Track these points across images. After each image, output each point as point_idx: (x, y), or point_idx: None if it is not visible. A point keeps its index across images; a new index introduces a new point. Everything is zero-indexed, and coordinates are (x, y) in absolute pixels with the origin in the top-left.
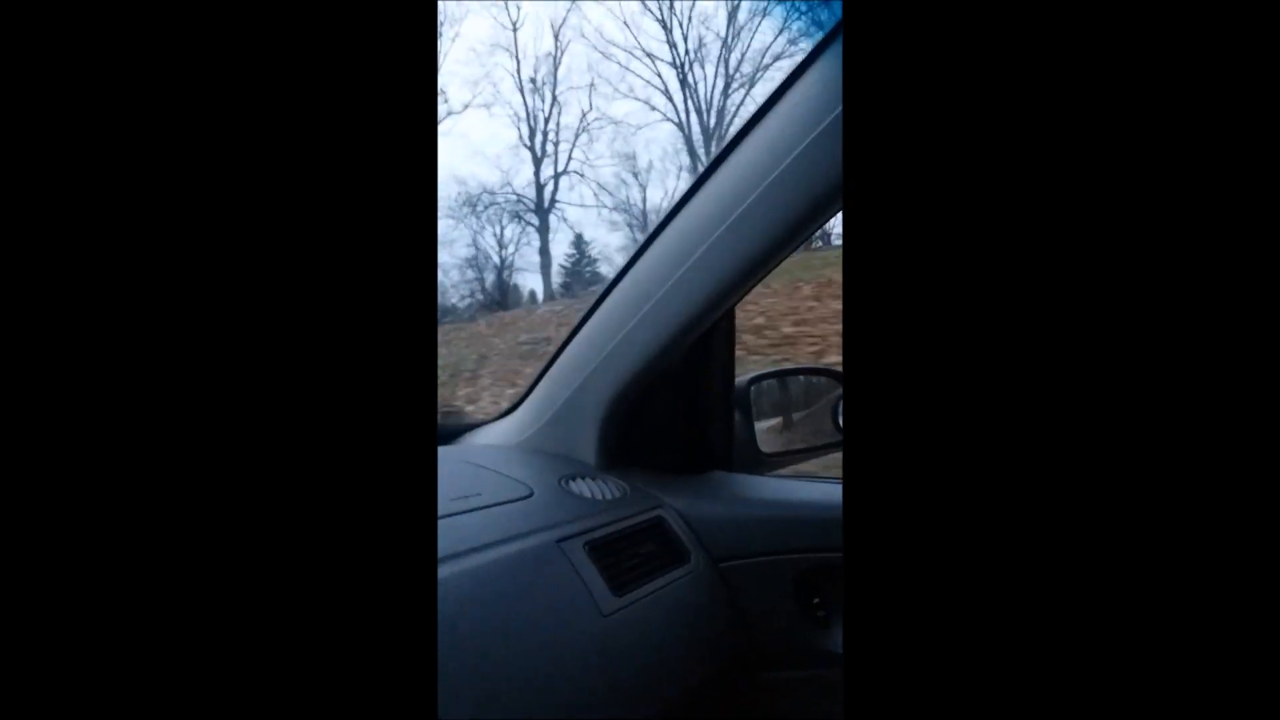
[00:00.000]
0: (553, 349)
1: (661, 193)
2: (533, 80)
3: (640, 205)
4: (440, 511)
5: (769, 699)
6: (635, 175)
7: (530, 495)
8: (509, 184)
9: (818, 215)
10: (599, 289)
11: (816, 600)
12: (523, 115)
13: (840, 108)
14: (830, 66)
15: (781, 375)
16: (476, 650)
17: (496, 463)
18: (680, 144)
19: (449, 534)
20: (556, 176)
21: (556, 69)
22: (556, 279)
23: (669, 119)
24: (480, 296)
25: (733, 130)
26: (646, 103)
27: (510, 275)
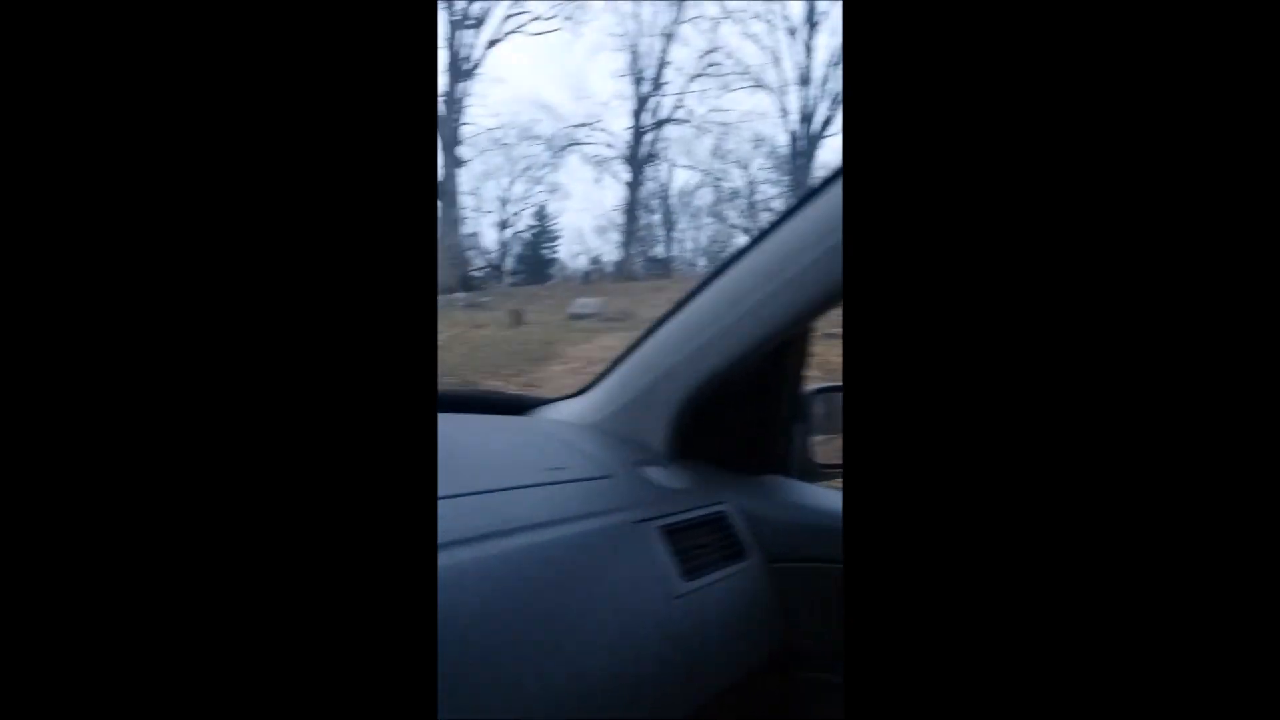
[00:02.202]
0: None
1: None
2: None
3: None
4: (532, 480)
5: (804, 698)
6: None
7: (611, 475)
8: (600, 119)
9: None
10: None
11: None
12: (623, 34)
13: None
14: None
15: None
16: (552, 616)
17: (581, 439)
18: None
19: (543, 502)
20: (659, 124)
21: None
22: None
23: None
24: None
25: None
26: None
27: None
